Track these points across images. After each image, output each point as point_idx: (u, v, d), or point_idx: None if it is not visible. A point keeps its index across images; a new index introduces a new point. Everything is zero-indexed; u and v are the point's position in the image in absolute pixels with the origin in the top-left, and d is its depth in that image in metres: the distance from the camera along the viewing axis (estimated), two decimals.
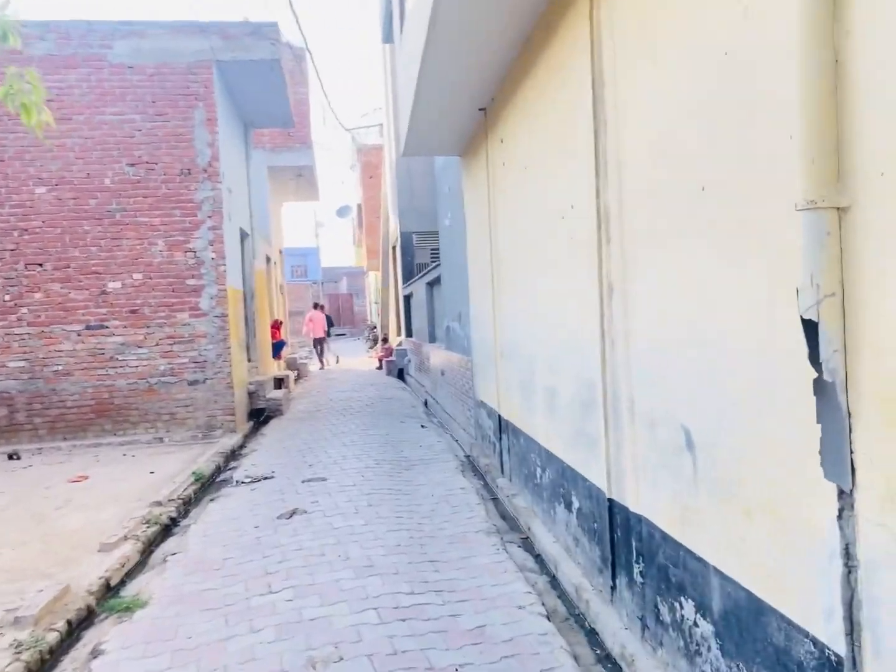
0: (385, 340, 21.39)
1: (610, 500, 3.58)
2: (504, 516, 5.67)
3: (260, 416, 11.59)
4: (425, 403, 12.78)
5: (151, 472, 7.67)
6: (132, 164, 9.55)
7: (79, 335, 9.55)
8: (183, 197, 9.72)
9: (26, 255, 9.39)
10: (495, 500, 6.21)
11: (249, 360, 12.56)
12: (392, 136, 17.40)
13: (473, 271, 7.60)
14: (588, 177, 3.60)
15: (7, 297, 9.36)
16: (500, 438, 6.58)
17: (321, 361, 21.78)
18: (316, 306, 22.55)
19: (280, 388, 15.08)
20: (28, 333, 9.42)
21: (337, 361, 22.58)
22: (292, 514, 5.75)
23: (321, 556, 4.74)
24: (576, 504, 4.21)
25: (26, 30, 7.28)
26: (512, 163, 5.48)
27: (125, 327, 9.66)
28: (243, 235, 12.24)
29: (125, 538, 5.19)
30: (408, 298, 17.37)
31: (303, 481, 6.92)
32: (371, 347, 28.31)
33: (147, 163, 9.59)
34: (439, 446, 8.61)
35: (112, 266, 9.61)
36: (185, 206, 9.73)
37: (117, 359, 9.64)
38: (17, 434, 9.33)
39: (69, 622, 3.87)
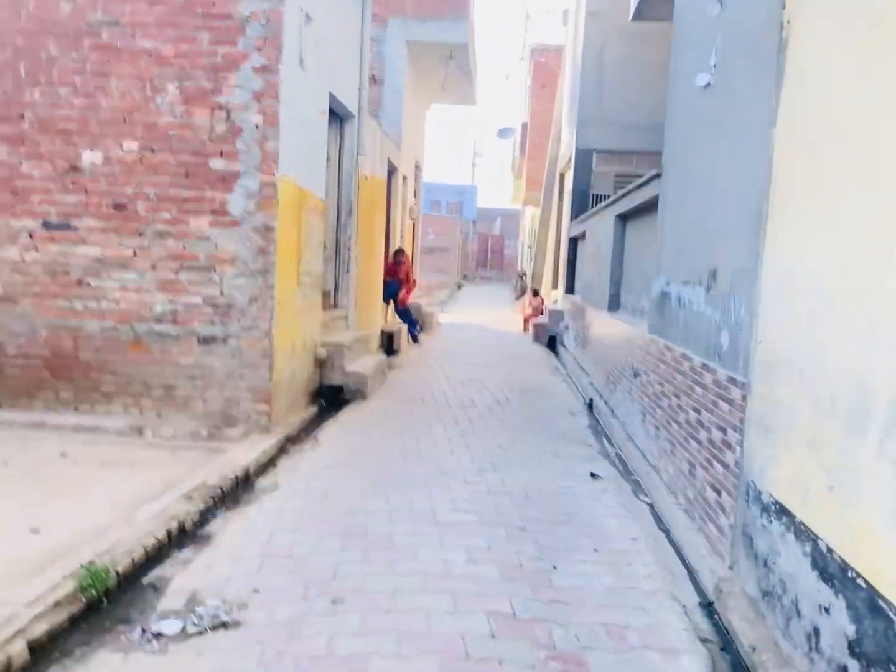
0: (535, 294, 16.57)
1: None
2: None
3: (337, 398, 7.35)
4: (590, 405, 8.07)
5: (35, 531, 3.66)
6: None
7: (31, 237, 5.66)
8: (215, 10, 5.43)
9: None
10: None
11: (335, 306, 8.36)
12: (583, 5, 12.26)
13: (813, 177, 2.72)
14: None
15: None
16: None
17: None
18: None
19: (391, 344, 10.90)
20: None
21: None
22: None
23: None
24: None
25: None
26: None
27: (104, 231, 5.64)
28: (340, 112, 7.84)
29: None
30: (574, 241, 12.47)
31: None
32: (517, 298, 23.61)
33: None
34: (638, 557, 3.91)
35: (90, 123, 5.56)
36: (217, 23, 5.43)
37: (88, 284, 5.68)
38: None
39: None
